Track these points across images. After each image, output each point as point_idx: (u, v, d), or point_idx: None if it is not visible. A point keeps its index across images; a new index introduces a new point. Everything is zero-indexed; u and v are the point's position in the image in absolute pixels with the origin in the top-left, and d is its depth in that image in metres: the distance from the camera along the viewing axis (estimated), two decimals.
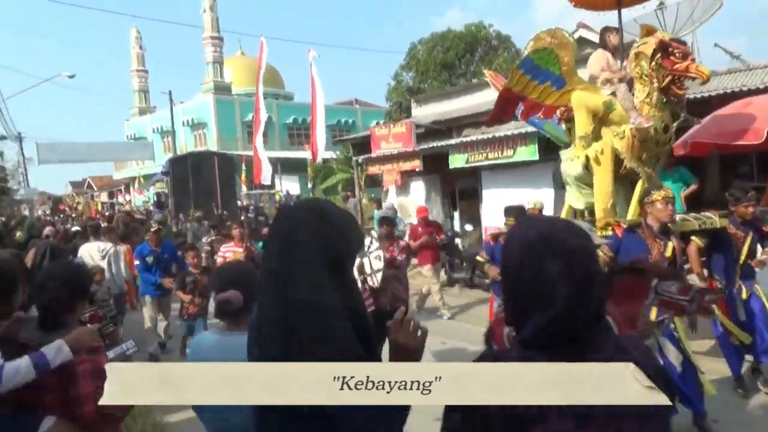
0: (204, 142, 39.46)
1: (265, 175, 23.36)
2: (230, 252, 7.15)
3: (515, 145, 9.73)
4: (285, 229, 1.47)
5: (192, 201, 18.20)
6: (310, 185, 29.82)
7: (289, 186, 33.90)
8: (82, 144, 28.69)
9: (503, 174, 10.61)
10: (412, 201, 13.56)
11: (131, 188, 45.06)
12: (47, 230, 9.46)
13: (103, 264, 8.32)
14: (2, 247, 9.18)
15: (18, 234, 10.85)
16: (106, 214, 23.06)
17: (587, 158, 4.98)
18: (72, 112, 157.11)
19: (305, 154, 33.44)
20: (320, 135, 21.00)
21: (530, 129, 9.72)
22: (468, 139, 10.62)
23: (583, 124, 4.98)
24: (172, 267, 7.69)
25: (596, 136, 5.02)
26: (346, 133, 41.47)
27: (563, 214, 5.85)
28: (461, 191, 13.21)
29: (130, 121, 47.91)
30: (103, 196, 50.79)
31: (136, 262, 7.38)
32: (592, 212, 5.23)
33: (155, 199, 25.03)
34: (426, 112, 16.31)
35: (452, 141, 11.15)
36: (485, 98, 14.45)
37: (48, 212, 33.84)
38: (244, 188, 30.09)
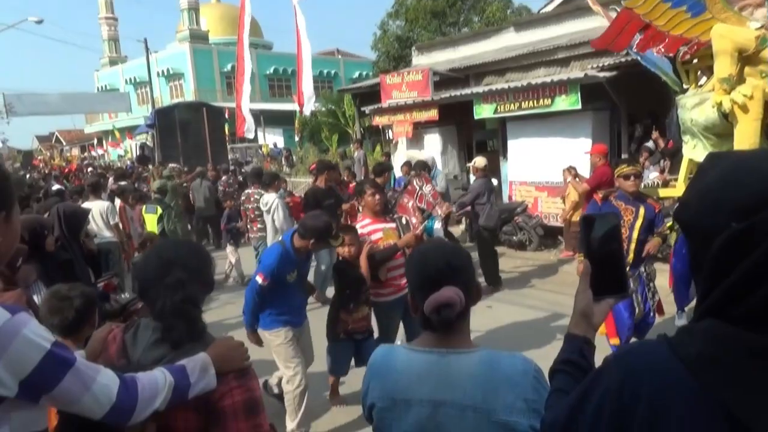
0: (181, 94, 37.69)
1: (248, 127, 22.46)
2: (379, 232, 4.31)
3: (554, 93, 8.93)
4: None
5: (180, 154, 17.11)
6: (297, 138, 28.78)
7: (273, 139, 32.72)
8: (54, 95, 26.88)
9: (533, 124, 9.85)
10: (422, 154, 12.77)
11: (104, 142, 43.15)
12: (56, 187, 8.53)
13: (104, 224, 7.44)
14: None
15: None
16: (90, 169, 21.64)
17: (731, 104, 4.21)
18: (38, 62, 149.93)
19: (287, 105, 32.25)
20: (307, 86, 19.98)
21: (572, 75, 8.96)
22: (499, 86, 9.77)
23: (726, 64, 4.16)
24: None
25: (738, 78, 4.25)
26: (328, 84, 40.13)
27: (682, 170, 5.16)
28: (479, 144, 12.47)
29: (100, 72, 45.51)
30: (74, 151, 48.73)
31: (259, 279, 3.72)
32: None
33: (138, 152, 23.73)
34: (429, 61, 15.32)
35: (479, 89, 10.29)
36: (499, 44, 13.58)
37: (17, 167, 32.05)
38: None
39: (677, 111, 4.89)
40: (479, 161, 7.98)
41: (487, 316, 6.23)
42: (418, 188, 4.91)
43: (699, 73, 5.05)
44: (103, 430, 1.35)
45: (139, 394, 1.33)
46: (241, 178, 12.65)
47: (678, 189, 5.26)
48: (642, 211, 4.18)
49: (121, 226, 7.63)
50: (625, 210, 4.21)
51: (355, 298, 4.11)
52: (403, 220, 4.48)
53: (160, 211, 7.81)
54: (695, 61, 4.67)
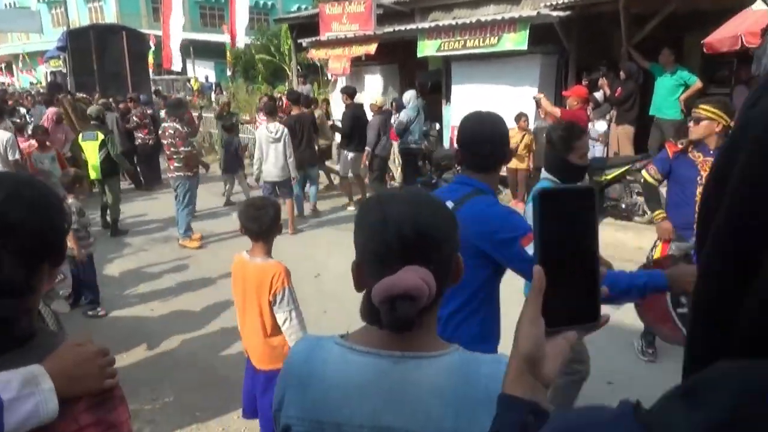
0: (102, 17, 34.63)
1: (176, 60, 20.97)
2: None
3: (501, 31, 8.37)
4: None
5: (97, 83, 15.58)
6: (229, 72, 27.22)
7: (204, 72, 30.81)
8: None
9: (478, 67, 9.33)
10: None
11: (13, 67, 39.37)
12: None
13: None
14: None
15: None
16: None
17: None
18: None
19: (219, 37, 30.21)
20: (241, 16, 18.58)
21: (524, 13, 8.43)
22: (443, 23, 9.11)
23: None
24: None
25: None
26: (264, 16, 37.97)
27: None
28: (422, 85, 11.85)
29: None
30: None
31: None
32: None
33: (50, 79, 21.67)
34: None
35: (424, 24, 9.58)
36: None
37: None
38: (151, 73, 27.02)
39: None
40: (379, 99, 8.76)
41: None
42: None
43: None
44: None
45: None
46: (150, 111, 11.40)
47: None
48: None
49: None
50: (703, 163, 3.40)
51: None
52: None
53: (101, 136, 6.96)
54: None
